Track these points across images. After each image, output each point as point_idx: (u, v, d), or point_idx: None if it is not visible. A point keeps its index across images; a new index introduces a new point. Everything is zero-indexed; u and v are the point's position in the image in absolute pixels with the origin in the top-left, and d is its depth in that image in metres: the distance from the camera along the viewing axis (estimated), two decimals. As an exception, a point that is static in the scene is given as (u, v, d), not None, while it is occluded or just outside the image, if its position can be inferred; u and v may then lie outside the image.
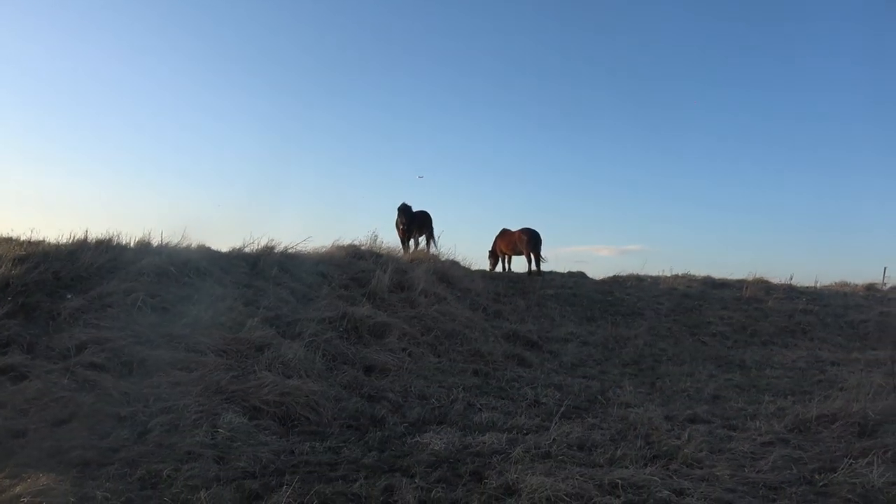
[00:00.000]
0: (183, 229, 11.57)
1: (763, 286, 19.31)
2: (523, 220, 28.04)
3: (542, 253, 18.74)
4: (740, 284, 19.39)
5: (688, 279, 20.24)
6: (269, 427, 6.48)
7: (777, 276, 20.31)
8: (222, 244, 12.31)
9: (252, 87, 48.63)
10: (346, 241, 14.65)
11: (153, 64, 43.24)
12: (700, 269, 21.11)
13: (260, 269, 11.47)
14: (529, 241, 18.53)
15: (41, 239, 10.32)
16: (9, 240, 10.13)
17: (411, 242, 18.10)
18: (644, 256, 48.08)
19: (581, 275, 20.32)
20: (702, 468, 5.68)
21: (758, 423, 7.29)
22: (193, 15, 44.67)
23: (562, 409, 7.61)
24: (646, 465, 5.68)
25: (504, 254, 19.71)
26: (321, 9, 48.23)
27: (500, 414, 7.44)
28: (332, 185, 47.89)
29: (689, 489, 5.05)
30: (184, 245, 11.35)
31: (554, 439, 6.26)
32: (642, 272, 20.88)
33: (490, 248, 19.96)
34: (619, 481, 5.08)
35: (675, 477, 5.37)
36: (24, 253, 9.17)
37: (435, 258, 16.28)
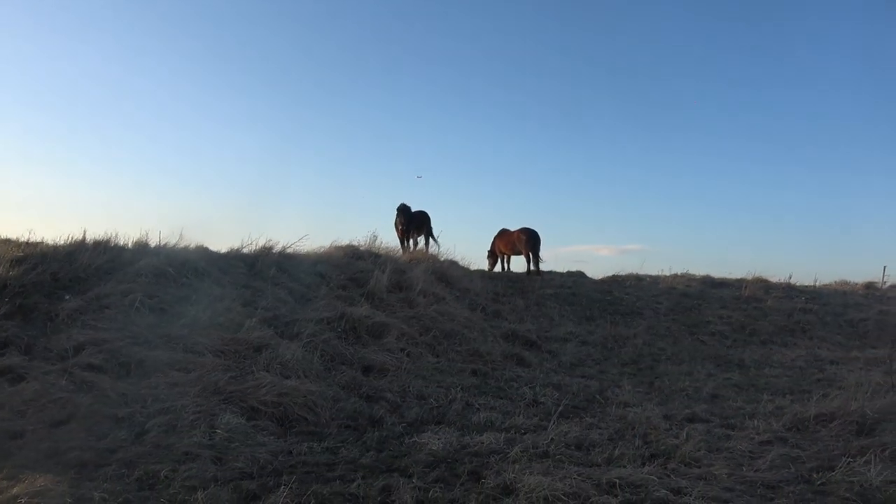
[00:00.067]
0: (181, 230, 11.57)
1: (762, 285, 19.32)
2: (523, 219, 28.07)
3: (541, 253, 18.74)
4: (739, 284, 19.40)
5: (687, 278, 20.24)
6: (266, 427, 6.48)
7: (776, 275, 20.36)
8: (222, 245, 12.33)
9: (251, 88, 48.71)
10: (344, 242, 14.66)
11: (152, 65, 43.26)
12: (700, 269, 21.15)
13: (258, 269, 11.47)
14: (528, 241, 18.52)
15: (39, 240, 10.32)
16: (7, 241, 10.13)
17: (410, 242, 18.09)
18: (644, 256, 48.13)
19: (580, 274, 20.33)
20: (700, 467, 5.68)
21: (756, 422, 7.28)
22: (192, 15, 44.67)
23: (560, 408, 7.61)
24: (643, 464, 5.68)
25: (503, 253, 19.70)
26: (321, 9, 48.24)
27: (499, 414, 7.44)
28: (332, 185, 47.96)
29: (686, 488, 5.05)
30: (182, 246, 11.35)
31: (552, 439, 6.26)
32: (641, 272, 20.93)
33: (489, 248, 19.96)
34: (617, 480, 5.08)
35: (672, 476, 5.37)
36: (21, 254, 9.17)
37: (434, 258, 16.27)
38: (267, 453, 5.69)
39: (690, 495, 4.90)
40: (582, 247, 41.88)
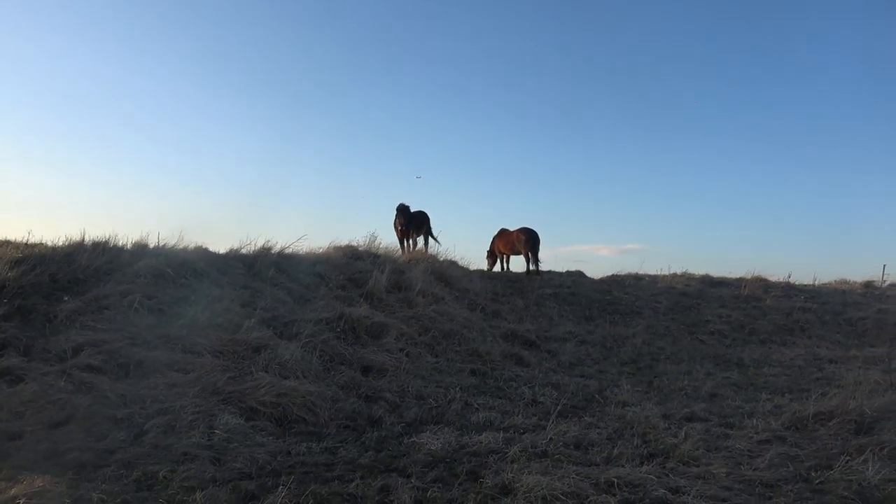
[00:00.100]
0: (180, 231, 11.58)
1: (761, 284, 19.33)
2: (523, 219, 28.04)
3: (539, 253, 18.74)
4: (739, 283, 19.39)
5: (686, 278, 20.24)
6: (265, 428, 6.48)
7: (776, 274, 20.36)
8: (221, 245, 12.34)
9: (251, 88, 48.59)
10: (343, 242, 14.67)
11: (152, 65, 43.21)
12: (699, 268, 21.12)
13: (257, 270, 11.47)
14: (528, 241, 18.52)
15: (38, 241, 10.32)
16: (5, 242, 10.13)
17: (410, 242, 18.09)
18: (643, 256, 48.01)
19: (579, 274, 20.31)
20: (698, 466, 5.69)
21: (755, 421, 7.29)
22: (192, 15, 44.66)
23: (558, 408, 7.61)
24: (642, 463, 5.69)
25: (502, 253, 19.70)
26: (320, 9, 48.23)
27: (498, 413, 7.44)
28: (332, 185, 47.95)
29: (685, 487, 5.05)
30: (181, 246, 11.36)
31: (551, 438, 6.27)
32: (641, 271, 20.89)
33: (488, 248, 19.96)
34: (615, 480, 5.08)
35: (671, 475, 5.37)
36: (20, 255, 9.17)
37: (433, 258, 16.26)
38: (265, 454, 5.70)
39: (689, 494, 4.91)
40: (582, 247, 41.91)
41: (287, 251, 12.73)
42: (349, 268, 13.09)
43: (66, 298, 8.54)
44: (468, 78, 51.20)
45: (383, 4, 48.45)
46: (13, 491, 4.56)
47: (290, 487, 4.84)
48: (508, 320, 13.89)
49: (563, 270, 20.54)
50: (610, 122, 52.05)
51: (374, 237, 15.36)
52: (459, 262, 17.07)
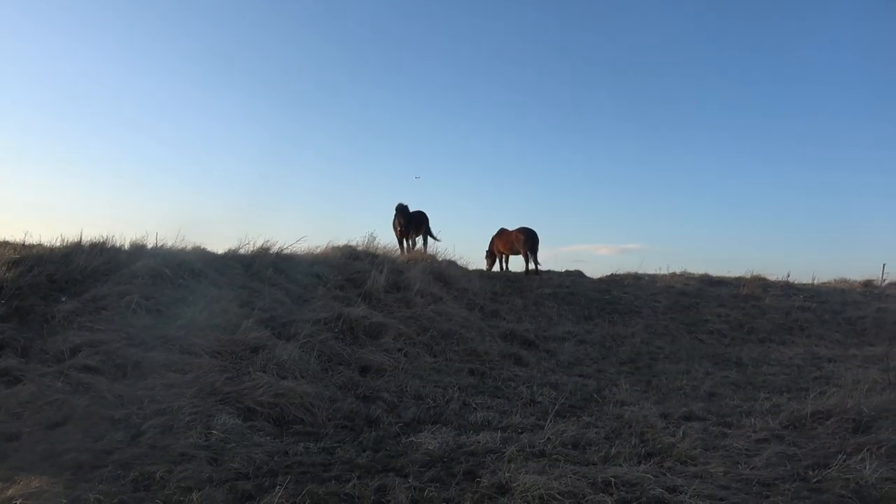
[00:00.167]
0: (178, 231, 11.58)
1: (760, 283, 19.33)
2: (522, 219, 28.04)
3: (538, 253, 18.75)
4: (738, 282, 19.40)
5: (685, 277, 20.24)
6: (263, 428, 6.48)
7: (775, 273, 20.36)
8: (221, 245, 12.34)
9: (251, 88, 48.63)
10: (341, 242, 14.66)
11: (152, 65, 43.23)
12: (699, 267, 21.15)
13: (255, 270, 11.47)
14: (527, 241, 18.53)
15: (36, 242, 10.31)
16: (3, 243, 10.13)
17: (409, 242, 18.09)
18: (643, 255, 47.93)
19: (579, 273, 20.31)
20: (695, 465, 5.68)
21: (753, 420, 7.28)
22: (192, 16, 44.65)
23: (556, 407, 7.60)
24: (639, 462, 5.68)
25: (502, 253, 19.71)
26: (320, 9, 48.23)
27: (496, 413, 7.44)
28: (332, 185, 47.94)
29: (682, 486, 5.04)
30: (179, 247, 11.36)
31: (548, 438, 6.26)
32: (640, 270, 20.89)
33: (487, 248, 19.96)
34: (613, 479, 5.08)
35: (668, 474, 5.37)
36: (17, 256, 9.16)
37: (432, 258, 16.26)
38: (263, 454, 5.69)
39: (686, 493, 4.90)
40: (581, 246, 41.88)
41: (285, 251, 12.73)
42: (347, 268, 13.08)
43: (63, 299, 8.54)
44: (468, 78, 51.24)
45: (383, 4, 48.49)
46: (10, 492, 4.56)
47: (286, 487, 4.84)
48: (507, 320, 13.88)
49: (563, 270, 20.54)
50: (610, 122, 52.11)
51: (372, 237, 15.38)
52: (458, 262, 17.09)
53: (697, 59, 49.87)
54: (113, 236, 10.80)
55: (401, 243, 17.83)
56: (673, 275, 20.49)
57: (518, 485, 4.92)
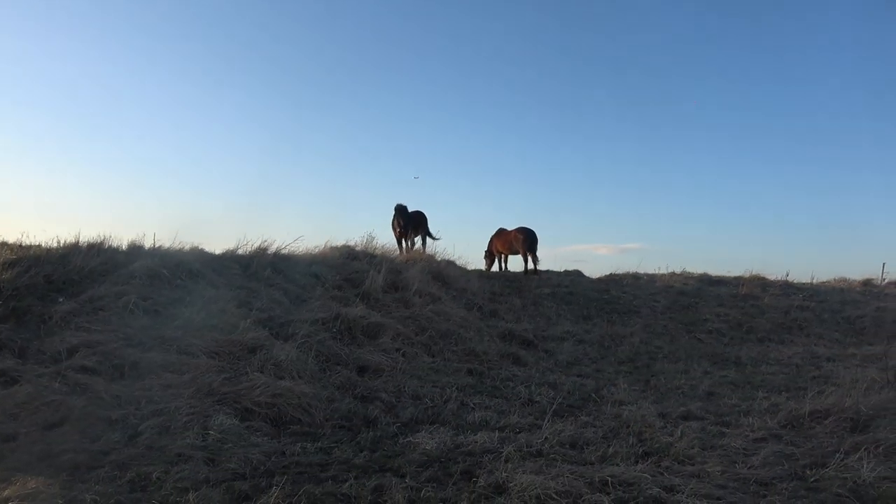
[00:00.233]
0: (176, 232, 11.57)
1: (760, 283, 19.33)
2: (522, 219, 28.05)
3: (537, 253, 18.75)
4: (737, 281, 19.39)
5: (684, 276, 20.24)
6: (260, 428, 6.47)
7: (776, 272, 20.36)
8: (219, 246, 12.33)
9: (251, 88, 48.63)
10: (340, 242, 14.66)
11: (151, 65, 43.20)
12: (698, 267, 21.14)
13: (253, 270, 11.46)
14: (525, 241, 18.54)
15: (33, 243, 10.30)
16: (0, 244, 10.11)
17: (408, 243, 18.09)
18: (643, 255, 48.02)
19: (577, 273, 20.30)
20: (693, 465, 5.68)
21: (751, 419, 7.28)
22: (191, 15, 44.63)
23: (554, 407, 7.60)
24: (637, 462, 5.68)
25: (500, 253, 19.71)
26: (320, 9, 48.23)
27: (494, 413, 7.43)
28: (331, 185, 47.95)
29: (679, 486, 5.04)
30: (177, 247, 11.35)
31: (546, 437, 6.26)
32: (639, 270, 20.90)
33: (486, 248, 19.96)
34: (610, 479, 5.07)
35: (665, 474, 5.36)
36: (15, 257, 9.15)
37: (430, 258, 16.26)
38: (260, 454, 5.69)
39: (683, 493, 4.90)
40: (581, 246, 41.88)
41: (283, 251, 12.73)
42: (346, 268, 13.08)
43: (60, 300, 8.53)
44: (468, 78, 51.25)
45: (383, 4, 48.48)
46: (6, 492, 4.56)
47: (283, 488, 4.83)
48: (506, 320, 13.88)
49: (562, 270, 20.55)
50: (610, 122, 52.11)
51: (371, 237, 15.38)
52: (457, 262, 17.09)
53: (697, 59, 49.89)
54: (110, 237, 10.81)
55: (400, 243, 17.83)
56: (672, 274, 20.50)
57: (515, 484, 4.91)
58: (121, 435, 5.88)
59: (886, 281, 20.92)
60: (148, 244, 11.12)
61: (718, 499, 4.89)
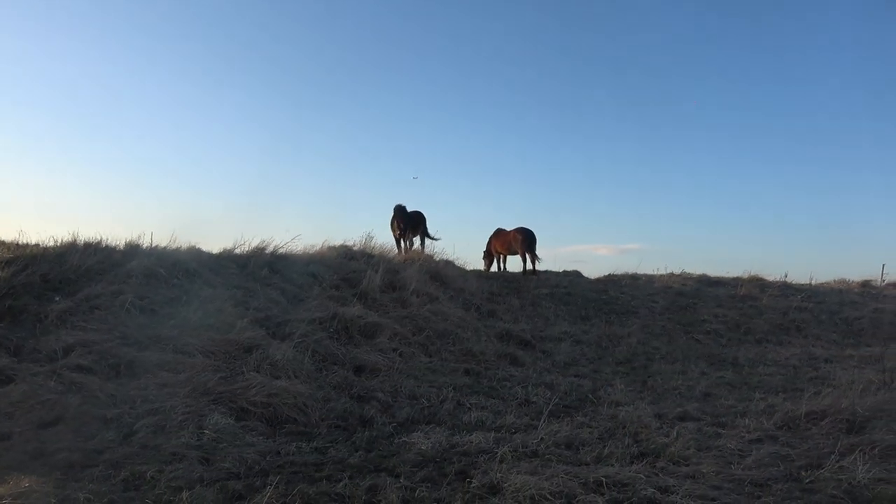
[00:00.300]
0: (173, 231, 11.56)
1: (758, 284, 19.34)
2: (522, 219, 28.04)
3: (538, 252, 18.77)
4: (735, 282, 19.40)
5: (683, 277, 20.25)
6: (255, 428, 6.46)
7: (775, 273, 20.38)
8: (217, 245, 12.32)
9: (251, 88, 48.63)
10: (337, 242, 14.66)
11: (151, 65, 43.19)
12: (698, 268, 21.14)
13: (250, 269, 11.45)
14: (524, 241, 18.54)
15: (29, 242, 10.28)
16: (-3, 243, 10.10)
17: (406, 243, 18.09)
18: (643, 255, 48.03)
19: (576, 274, 20.31)
20: (688, 465, 5.67)
21: (747, 420, 7.26)
22: (191, 15, 44.62)
23: (550, 407, 7.59)
24: (632, 462, 5.67)
25: (499, 253, 19.71)
26: (320, 9, 48.23)
27: (490, 413, 7.42)
28: (331, 185, 47.96)
29: (673, 486, 5.03)
30: (174, 247, 11.32)
31: (541, 438, 6.24)
32: (638, 271, 20.90)
33: (485, 249, 19.95)
34: (604, 479, 5.06)
35: (660, 474, 5.35)
36: (11, 255, 9.13)
37: (429, 258, 16.27)
38: (255, 453, 5.67)
39: (677, 493, 4.88)
40: (581, 246, 41.86)
41: (281, 251, 12.72)
42: (343, 267, 13.07)
43: (57, 299, 8.51)
44: (468, 78, 51.26)
45: (383, 4, 48.48)
46: (0, 491, 4.54)
47: (277, 487, 4.82)
48: (504, 320, 13.88)
49: (560, 270, 20.55)
50: (610, 122, 52.13)
51: (370, 237, 15.38)
52: (456, 262, 17.09)
53: (697, 59, 49.89)
54: (107, 236, 10.79)
55: (398, 243, 17.84)
56: (671, 275, 20.51)
57: (509, 485, 4.90)
58: (115, 434, 5.87)
59: (885, 282, 20.94)
60: (145, 243, 11.11)
61: (713, 499, 4.87)
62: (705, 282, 19.77)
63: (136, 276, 9.55)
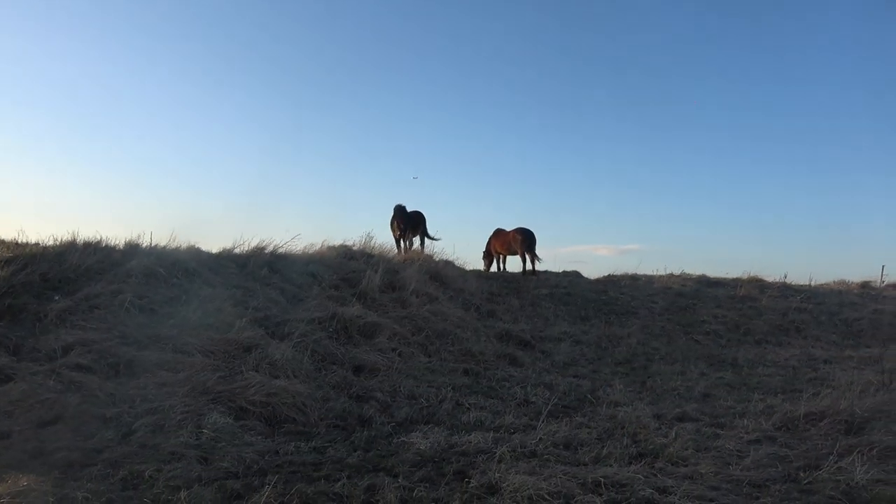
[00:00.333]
0: (173, 231, 11.56)
1: (758, 284, 19.34)
2: (522, 220, 28.05)
3: (538, 252, 18.78)
4: (735, 283, 19.41)
5: (682, 278, 20.25)
6: (254, 427, 6.46)
7: (774, 274, 20.38)
8: (217, 245, 12.32)
9: (251, 87, 48.64)
10: (337, 242, 14.67)
11: (151, 65, 43.19)
12: (698, 268, 21.14)
13: (250, 269, 11.45)
14: (524, 241, 18.54)
15: (29, 241, 10.28)
16: (-3, 242, 10.10)
17: (406, 243, 18.10)
18: (643, 256, 48.02)
19: (576, 274, 20.31)
20: (686, 466, 5.67)
21: (746, 421, 7.26)
22: (191, 15, 44.62)
23: (549, 407, 7.59)
24: (630, 463, 5.67)
25: (499, 254, 19.71)
26: (320, 9, 48.23)
27: (489, 413, 7.43)
28: (331, 185, 47.97)
29: (672, 487, 5.03)
30: (173, 246, 11.32)
31: (540, 438, 6.24)
32: (638, 271, 20.91)
33: (485, 249, 19.95)
34: (602, 479, 5.06)
35: (659, 475, 5.35)
36: (10, 254, 9.14)
37: (429, 258, 16.27)
38: (253, 453, 5.68)
39: (675, 494, 4.89)
40: (580, 247, 41.85)
41: (280, 251, 12.72)
42: (343, 267, 13.07)
43: (56, 298, 8.51)
44: (468, 78, 51.27)
45: (383, 4, 48.49)
46: (-2, 489, 4.55)
47: (275, 487, 4.82)
48: (503, 320, 13.88)
49: (560, 270, 20.56)
50: (610, 122, 52.12)
51: (369, 237, 15.38)
52: (456, 262, 17.09)
53: (697, 59, 49.88)
54: (107, 236, 10.79)
55: (398, 243, 17.85)
56: (670, 276, 20.51)
57: (507, 485, 4.90)
58: (114, 433, 5.87)
59: (885, 283, 20.94)
60: (145, 243, 11.11)
61: (711, 500, 4.88)
62: (705, 282, 19.77)
63: (136, 275, 9.55)
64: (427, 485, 5.07)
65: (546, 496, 4.71)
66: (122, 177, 43.41)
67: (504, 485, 4.93)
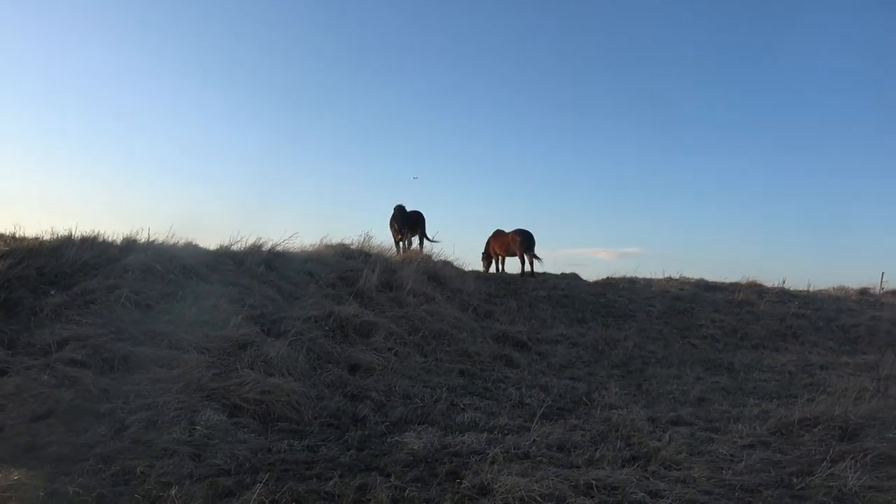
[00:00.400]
0: (170, 227, 11.54)
1: (756, 289, 19.30)
2: (522, 221, 28.05)
3: (537, 253, 18.78)
4: (733, 287, 19.37)
5: (680, 282, 20.23)
6: (248, 425, 6.45)
7: (772, 279, 20.34)
8: (215, 242, 12.29)
9: (251, 87, 48.62)
10: (335, 240, 14.64)
11: (152, 63, 43.19)
12: (697, 272, 21.23)
13: (247, 267, 11.43)
14: (523, 242, 18.54)
15: (26, 235, 10.26)
16: (-7, 236, 10.08)
17: (405, 243, 18.10)
18: (642, 259, 48.10)
19: (574, 276, 20.30)
20: (679, 470, 5.66)
21: (740, 425, 7.26)
22: (192, 14, 44.61)
23: (543, 409, 7.58)
24: (623, 466, 5.67)
25: (498, 255, 19.70)
26: (320, 9, 48.24)
27: (483, 414, 7.42)
28: (331, 184, 47.96)
29: (664, 490, 5.03)
30: (171, 242, 11.31)
31: (534, 440, 6.25)
32: (636, 275, 20.89)
33: (484, 250, 19.95)
34: (595, 482, 5.07)
35: (651, 478, 5.35)
36: (7, 248, 9.12)
37: (427, 258, 16.25)
38: (246, 450, 5.67)
39: (667, 498, 4.89)
40: (580, 249, 41.85)
41: (278, 248, 12.69)
42: (340, 266, 13.06)
43: (52, 292, 8.50)
44: (468, 78, 51.27)
45: (383, 4, 48.49)
46: (-12, 483, 4.55)
47: (267, 484, 4.82)
48: (500, 321, 13.87)
49: (559, 273, 20.54)
50: (610, 122, 52.11)
51: (368, 236, 15.36)
52: (454, 263, 17.07)
53: (697, 59, 49.88)
54: (104, 231, 10.78)
55: (397, 243, 17.84)
56: (668, 279, 20.50)
57: (499, 486, 4.90)
58: (107, 428, 5.86)
59: (884, 290, 20.92)
60: (142, 239, 11.09)
61: (703, 504, 4.88)
62: (703, 286, 19.75)
63: (133, 271, 9.53)
64: (419, 485, 5.07)
65: (538, 498, 4.71)
66: (121, 174, 43.40)
67: (496, 486, 4.93)
